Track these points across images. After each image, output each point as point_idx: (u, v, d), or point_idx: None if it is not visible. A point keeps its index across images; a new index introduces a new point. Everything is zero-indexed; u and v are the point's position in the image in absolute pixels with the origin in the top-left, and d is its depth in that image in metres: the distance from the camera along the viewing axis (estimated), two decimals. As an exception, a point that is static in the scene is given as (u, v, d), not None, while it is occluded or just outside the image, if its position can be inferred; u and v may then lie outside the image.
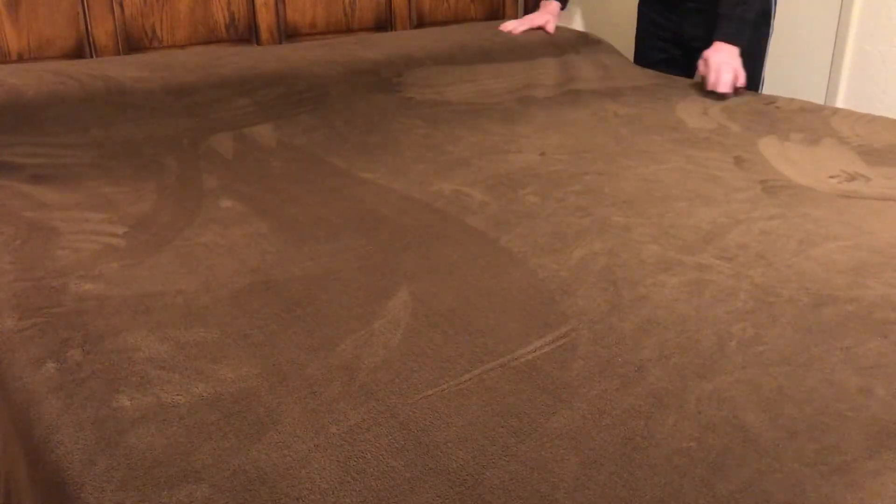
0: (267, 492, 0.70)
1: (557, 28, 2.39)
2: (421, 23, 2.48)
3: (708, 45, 2.11)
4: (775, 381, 0.85)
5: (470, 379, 0.85)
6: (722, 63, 2.05)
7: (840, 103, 2.62)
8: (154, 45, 2.05)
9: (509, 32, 2.34)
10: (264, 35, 2.20)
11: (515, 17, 2.68)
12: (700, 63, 2.11)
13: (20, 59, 1.89)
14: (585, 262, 1.13)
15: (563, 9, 2.46)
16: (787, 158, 1.57)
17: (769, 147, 1.64)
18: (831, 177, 1.47)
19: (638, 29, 2.46)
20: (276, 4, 2.19)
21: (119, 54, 2.01)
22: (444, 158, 1.57)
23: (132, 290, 1.04)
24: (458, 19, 2.55)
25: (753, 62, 2.20)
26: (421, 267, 1.11)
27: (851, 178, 1.46)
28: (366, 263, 1.12)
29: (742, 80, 2.07)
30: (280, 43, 2.23)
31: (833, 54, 2.61)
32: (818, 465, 0.73)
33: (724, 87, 2.04)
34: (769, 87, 2.76)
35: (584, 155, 1.60)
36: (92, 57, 1.98)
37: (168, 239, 1.20)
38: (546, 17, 2.39)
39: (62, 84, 1.65)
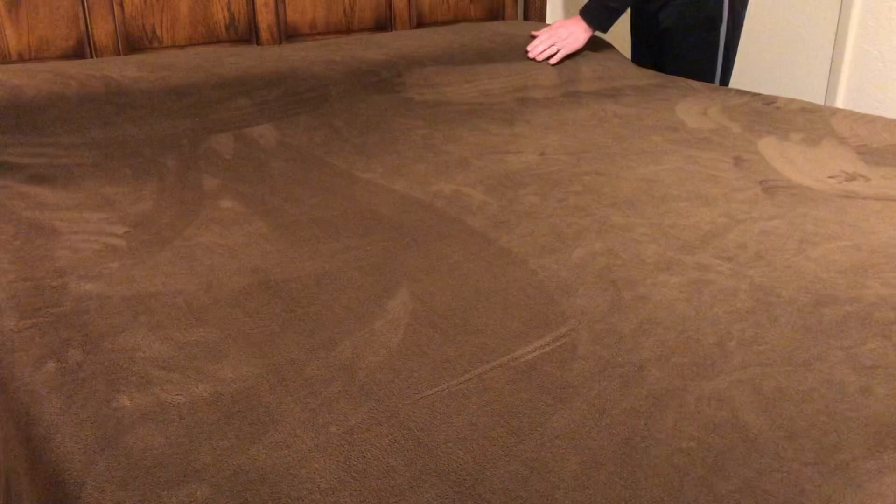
0: (267, 492, 0.70)
1: (557, 28, 2.38)
2: (421, 23, 2.48)
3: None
4: (775, 381, 0.85)
5: (470, 379, 0.85)
6: (553, 32, 2.19)
7: (840, 103, 2.62)
8: (154, 45, 2.05)
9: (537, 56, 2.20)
10: (264, 35, 2.20)
11: (515, 17, 2.68)
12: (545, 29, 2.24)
13: (20, 59, 1.89)
14: (585, 262, 1.13)
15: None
16: (786, 158, 1.57)
17: (769, 147, 1.64)
18: (831, 177, 1.46)
19: (631, 23, 2.50)
20: (276, 4, 2.19)
21: (119, 54, 2.01)
22: (444, 158, 1.57)
23: (132, 290, 1.04)
24: (458, 19, 2.54)
25: (703, 66, 2.28)
26: (421, 267, 1.11)
27: (851, 178, 1.46)
28: (366, 263, 1.12)
29: (556, 60, 2.18)
30: (280, 43, 2.23)
31: (833, 54, 2.61)
32: (818, 465, 0.73)
33: (532, 52, 2.18)
34: (770, 87, 2.76)
35: (584, 155, 1.60)
36: (92, 57, 1.98)
37: (168, 239, 1.20)
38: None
39: (62, 84, 1.65)
